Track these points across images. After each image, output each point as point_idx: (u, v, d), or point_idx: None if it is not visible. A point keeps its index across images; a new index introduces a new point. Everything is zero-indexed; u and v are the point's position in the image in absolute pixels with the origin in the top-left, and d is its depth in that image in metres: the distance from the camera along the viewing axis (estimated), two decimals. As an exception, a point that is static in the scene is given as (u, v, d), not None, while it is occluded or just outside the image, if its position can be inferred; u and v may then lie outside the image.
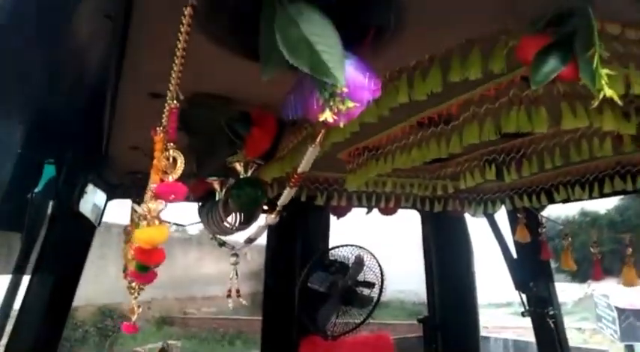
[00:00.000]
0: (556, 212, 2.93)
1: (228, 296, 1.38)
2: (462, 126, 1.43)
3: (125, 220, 2.18)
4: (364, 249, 2.36)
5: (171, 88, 0.75)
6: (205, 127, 1.05)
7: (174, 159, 0.81)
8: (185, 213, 2.18)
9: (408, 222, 3.27)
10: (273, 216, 1.04)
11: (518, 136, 1.76)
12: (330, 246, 2.52)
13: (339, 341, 2.42)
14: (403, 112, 1.38)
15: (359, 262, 2.31)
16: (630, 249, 2.28)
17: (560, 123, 1.22)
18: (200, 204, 1.85)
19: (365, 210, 2.66)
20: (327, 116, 0.59)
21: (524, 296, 2.70)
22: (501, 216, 2.86)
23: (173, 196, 0.78)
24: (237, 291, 1.34)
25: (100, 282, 13.11)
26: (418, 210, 3.00)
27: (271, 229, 2.63)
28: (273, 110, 1.06)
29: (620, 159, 1.92)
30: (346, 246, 2.32)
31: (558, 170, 2.14)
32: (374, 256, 2.37)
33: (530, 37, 0.83)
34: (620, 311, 8.11)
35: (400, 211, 2.64)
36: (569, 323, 10.14)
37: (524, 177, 2.31)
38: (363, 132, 1.39)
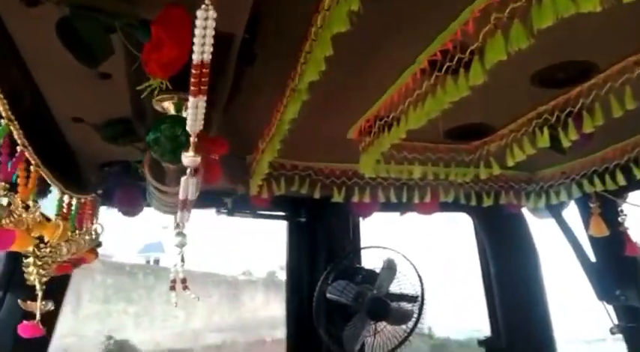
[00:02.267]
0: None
1: (172, 288, 1.06)
2: (482, 46, 1.05)
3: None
4: (396, 251, 1.95)
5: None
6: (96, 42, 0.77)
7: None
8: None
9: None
10: (191, 154, 0.73)
11: (571, 83, 1.36)
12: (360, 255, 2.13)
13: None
14: (410, 49, 1.13)
15: (389, 268, 1.90)
16: None
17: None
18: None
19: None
20: None
21: (610, 307, 2.15)
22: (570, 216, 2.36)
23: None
24: (184, 281, 1.03)
25: (167, 327, 13.17)
26: (469, 213, 2.56)
27: (291, 238, 2.29)
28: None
29: None
30: (372, 247, 1.92)
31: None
32: (409, 261, 1.95)
33: None
34: None
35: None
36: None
37: (591, 154, 1.85)
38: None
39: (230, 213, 2.11)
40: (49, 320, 1.82)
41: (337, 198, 1.96)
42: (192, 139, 0.74)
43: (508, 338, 2.28)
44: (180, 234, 1.01)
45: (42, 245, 0.97)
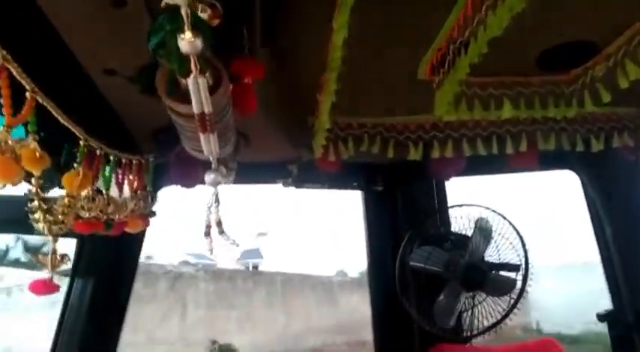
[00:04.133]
0: None
1: (207, 234, 0.92)
2: None
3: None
4: (492, 209, 1.68)
5: None
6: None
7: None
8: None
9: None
10: (188, 36, 0.58)
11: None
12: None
13: (481, 347, 1.73)
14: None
15: (483, 229, 1.63)
16: None
17: None
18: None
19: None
20: None
21: None
22: None
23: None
24: (219, 225, 0.88)
25: (268, 330, 13.40)
26: (575, 170, 2.19)
27: (368, 210, 2.08)
28: None
29: None
30: (461, 206, 1.66)
31: None
32: (509, 222, 1.67)
33: None
34: None
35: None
36: None
37: None
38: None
39: (297, 183, 1.95)
40: (119, 312, 1.79)
41: (414, 155, 1.73)
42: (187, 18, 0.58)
43: (634, 312, 1.90)
44: (215, 170, 0.86)
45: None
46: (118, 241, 1.81)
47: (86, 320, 1.66)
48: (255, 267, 22.46)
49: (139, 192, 1.26)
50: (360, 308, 15.38)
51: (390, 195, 2.03)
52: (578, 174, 2.19)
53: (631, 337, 1.86)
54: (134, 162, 1.23)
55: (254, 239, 27.74)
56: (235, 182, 2.23)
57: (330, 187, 2.07)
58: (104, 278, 1.75)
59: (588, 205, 2.19)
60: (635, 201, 2.05)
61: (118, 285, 1.78)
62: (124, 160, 1.18)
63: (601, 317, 1.93)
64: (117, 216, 1.12)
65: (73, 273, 1.74)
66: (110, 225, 1.14)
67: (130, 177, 1.21)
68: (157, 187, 1.61)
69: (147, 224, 1.37)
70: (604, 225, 2.07)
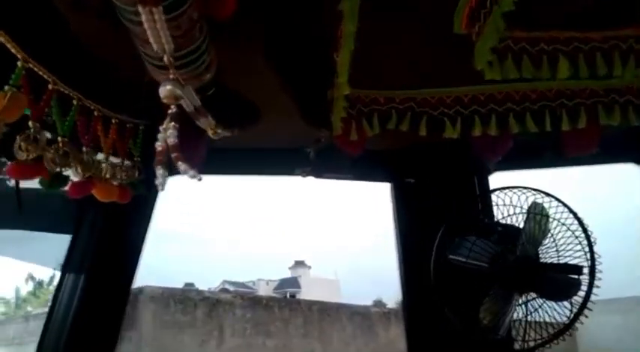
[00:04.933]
0: None
1: (159, 162, 0.70)
2: None
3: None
4: (550, 195, 1.38)
5: None
6: None
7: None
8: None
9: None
10: None
11: None
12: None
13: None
14: None
15: (538, 217, 1.33)
16: None
17: None
18: None
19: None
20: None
21: None
22: None
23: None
24: (175, 150, 0.66)
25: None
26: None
27: (398, 204, 1.82)
28: None
29: None
30: (509, 188, 1.38)
31: None
32: (569, 207, 1.37)
33: None
34: None
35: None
36: None
37: None
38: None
39: (317, 172, 1.71)
40: (113, 313, 1.60)
41: (451, 133, 1.47)
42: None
43: None
44: (172, 80, 0.65)
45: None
46: (116, 238, 1.63)
47: (74, 319, 1.47)
48: (293, 296, 22.13)
49: (123, 160, 1.06)
50: (398, 340, 14.79)
51: (424, 187, 1.76)
52: (644, 168, 1.87)
53: None
54: (114, 121, 1.03)
55: (292, 268, 27.54)
56: (245, 172, 2.03)
57: (355, 178, 1.82)
58: (97, 276, 1.56)
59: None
60: None
61: (112, 285, 1.58)
62: (96, 112, 0.98)
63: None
64: (78, 174, 0.92)
65: (65, 269, 1.56)
66: (60, 179, 0.92)
67: (112, 137, 1.01)
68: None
69: (126, 198, 1.16)
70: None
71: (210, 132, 0.85)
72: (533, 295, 1.37)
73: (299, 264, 27.61)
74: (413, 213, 1.75)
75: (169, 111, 0.72)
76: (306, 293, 22.15)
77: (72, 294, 1.50)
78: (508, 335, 1.38)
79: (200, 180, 0.74)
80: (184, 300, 13.02)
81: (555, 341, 1.31)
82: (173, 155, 0.69)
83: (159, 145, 0.72)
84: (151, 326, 12.34)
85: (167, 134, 0.69)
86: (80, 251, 1.57)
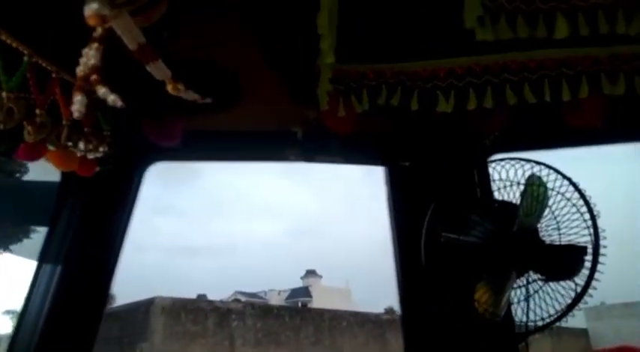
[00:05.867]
0: None
1: (80, 88, 0.64)
2: None
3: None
4: (550, 166, 1.30)
5: None
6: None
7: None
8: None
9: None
10: None
11: None
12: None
13: None
14: None
15: (536, 189, 1.25)
16: None
17: None
18: None
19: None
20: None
21: None
22: None
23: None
24: (95, 71, 0.59)
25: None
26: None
27: (392, 188, 1.73)
28: None
29: None
30: (506, 160, 1.30)
31: None
32: (570, 181, 1.29)
33: None
34: None
35: None
36: None
37: None
38: None
39: (307, 155, 1.64)
40: (92, 306, 1.53)
41: (444, 106, 1.39)
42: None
43: None
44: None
45: None
46: (96, 231, 1.57)
47: (48, 316, 1.41)
48: (305, 305, 21.99)
49: (87, 129, 1.00)
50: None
51: (419, 170, 1.68)
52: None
53: None
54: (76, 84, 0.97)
55: (303, 278, 27.42)
56: (233, 158, 1.96)
57: (347, 161, 1.75)
58: (75, 268, 1.49)
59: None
60: None
61: (90, 278, 1.51)
62: (54, 74, 0.92)
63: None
64: (28, 136, 0.86)
65: (41, 259, 1.50)
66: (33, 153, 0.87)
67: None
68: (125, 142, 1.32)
69: (87, 171, 1.09)
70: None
71: (168, 87, 0.79)
72: (534, 276, 1.28)
73: (310, 273, 27.47)
74: (408, 197, 1.67)
75: (94, 34, 0.65)
76: (318, 303, 22.01)
77: (47, 289, 1.43)
78: (508, 317, 1.30)
79: (121, 106, 0.66)
80: (195, 310, 13.00)
81: (558, 322, 1.22)
82: (92, 77, 0.63)
83: (80, 70, 0.66)
84: (162, 337, 12.32)
85: (89, 55, 0.63)
86: (57, 243, 1.51)
